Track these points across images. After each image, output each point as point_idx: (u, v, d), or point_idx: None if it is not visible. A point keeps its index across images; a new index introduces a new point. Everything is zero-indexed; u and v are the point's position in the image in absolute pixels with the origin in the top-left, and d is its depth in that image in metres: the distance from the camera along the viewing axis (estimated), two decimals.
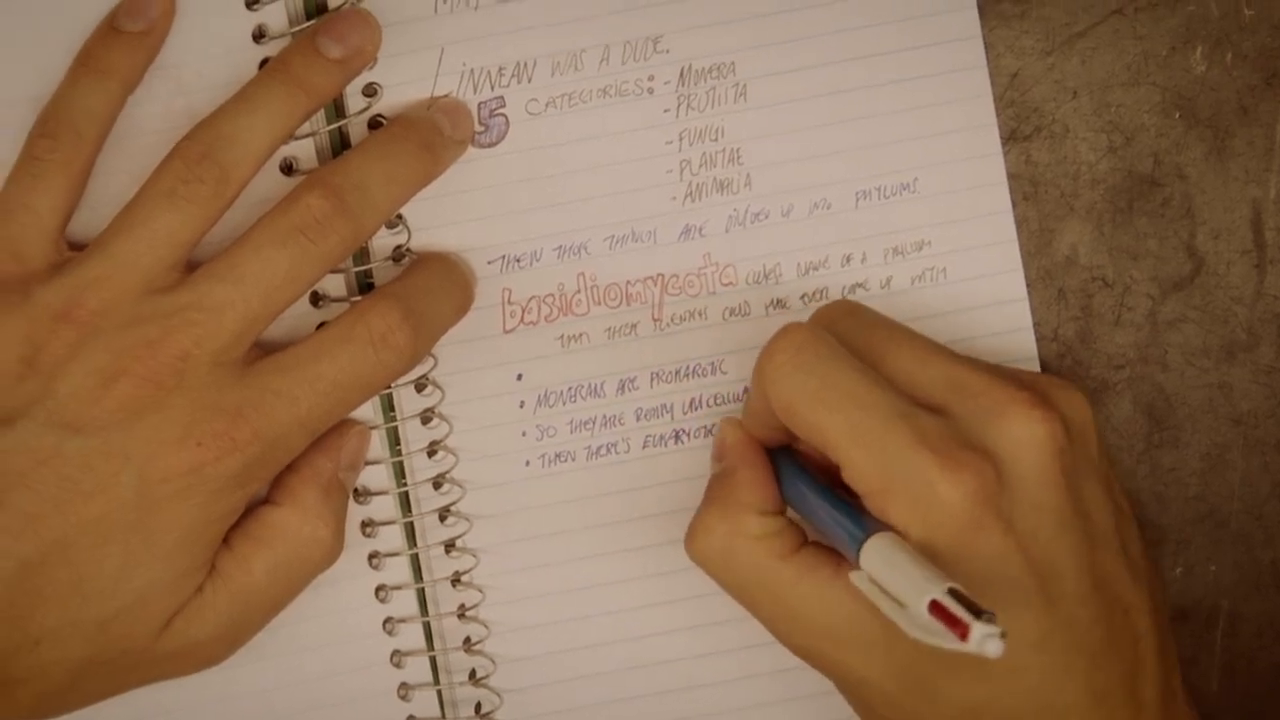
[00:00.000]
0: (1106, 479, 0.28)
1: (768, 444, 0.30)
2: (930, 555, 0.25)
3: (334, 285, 0.39)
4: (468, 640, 0.40)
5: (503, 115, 0.39)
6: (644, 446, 0.40)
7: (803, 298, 0.39)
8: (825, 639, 0.29)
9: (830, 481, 0.28)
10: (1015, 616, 0.25)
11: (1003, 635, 0.22)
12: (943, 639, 0.23)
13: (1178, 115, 0.40)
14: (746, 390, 0.38)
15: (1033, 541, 0.26)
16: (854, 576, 0.25)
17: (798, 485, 0.28)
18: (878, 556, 0.25)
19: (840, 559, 0.28)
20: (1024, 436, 0.25)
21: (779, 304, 0.39)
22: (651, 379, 0.39)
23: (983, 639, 0.22)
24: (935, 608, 0.23)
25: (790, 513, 0.31)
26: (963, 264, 0.40)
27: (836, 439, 0.26)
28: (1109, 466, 0.29)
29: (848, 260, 0.39)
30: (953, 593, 0.23)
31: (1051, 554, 0.26)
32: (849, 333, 0.30)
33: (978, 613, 0.23)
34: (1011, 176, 0.40)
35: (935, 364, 0.27)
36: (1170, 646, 0.32)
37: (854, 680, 0.30)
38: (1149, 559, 0.31)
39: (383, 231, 0.39)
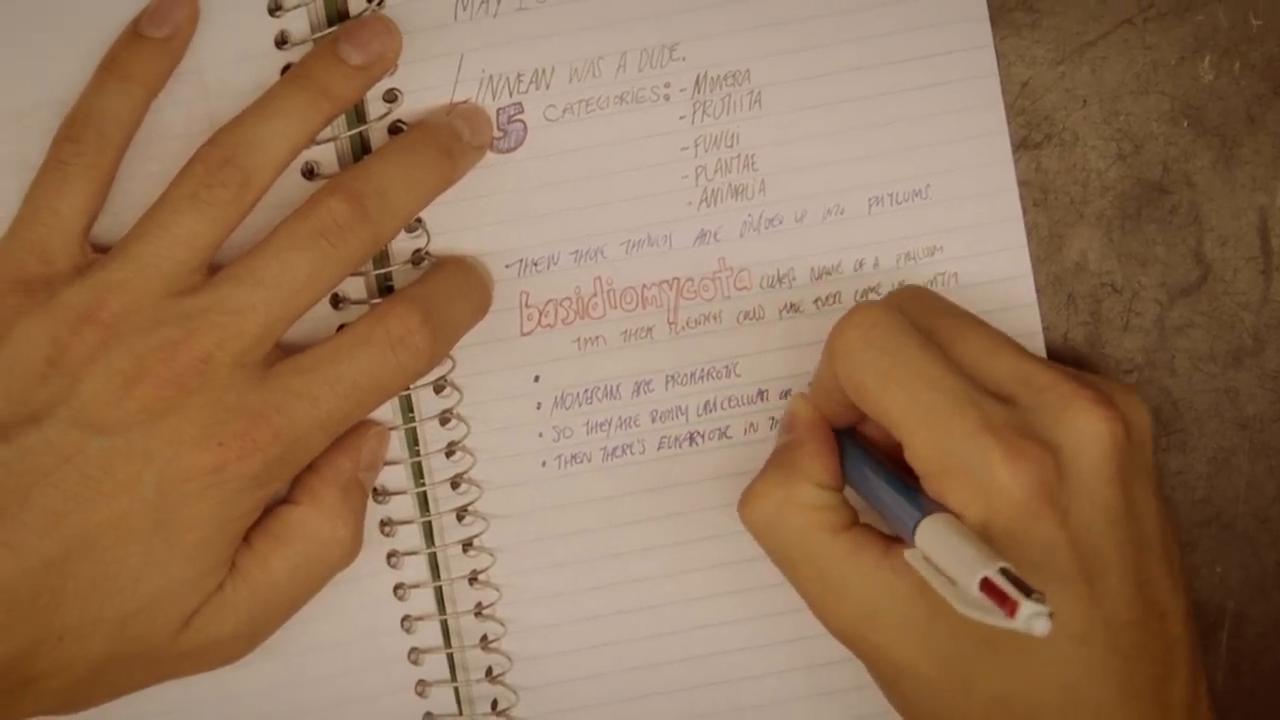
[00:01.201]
0: (1157, 486, 0.29)
1: (835, 423, 0.30)
2: (984, 539, 0.25)
3: (354, 288, 0.39)
4: (485, 638, 0.40)
5: (521, 121, 0.39)
6: (659, 448, 0.40)
7: (816, 302, 0.39)
8: (866, 620, 0.29)
9: (894, 465, 0.28)
10: (1062, 608, 0.25)
11: (1051, 615, 0.22)
12: (992, 616, 0.22)
13: (1186, 124, 0.40)
14: (771, 394, 0.38)
15: (1085, 535, 0.26)
16: (909, 554, 0.25)
17: (860, 465, 0.28)
18: (933, 536, 0.25)
19: (889, 542, 0.28)
20: (1087, 431, 0.25)
21: (793, 308, 0.39)
22: (667, 381, 0.39)
23: (1030, 617, 0.22)
24: (986, 585, 0.23)
25: (849, 494, 0.30)
26: (974, 269, 0.40)
27: (902, 417, 0.26)
28: (1158, 476, 0.28)
29: (860, 265, 0.39)
30: (1004, 572, 0.23)
31: (1101, 550, 0.26)
32: (920, 316, 0.29)
33: (1028, 592, 0.22)
34: (1022, 183, 0.40)
35: (1004, 355, 0.27)
36: (1198, 657, 0.31)
37: (890, 664, 0.30)
38: (1184, 569, 0.31)
39: (402, 235, 0.39)
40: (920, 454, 0.26)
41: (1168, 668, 0.29)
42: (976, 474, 0.24)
